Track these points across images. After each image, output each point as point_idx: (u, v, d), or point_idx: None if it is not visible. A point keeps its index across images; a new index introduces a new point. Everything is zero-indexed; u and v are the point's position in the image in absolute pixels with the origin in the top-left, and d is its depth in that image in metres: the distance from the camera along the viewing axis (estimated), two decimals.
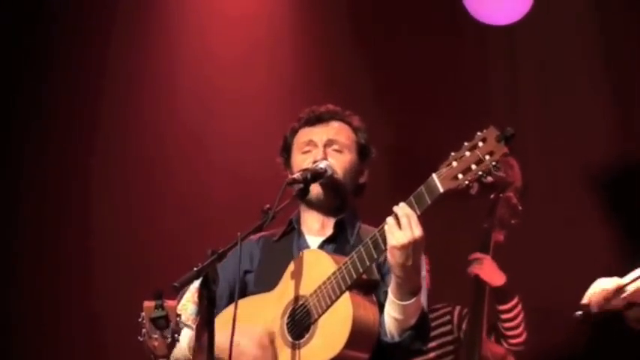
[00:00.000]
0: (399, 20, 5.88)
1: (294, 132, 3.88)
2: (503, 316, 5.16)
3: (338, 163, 3.77)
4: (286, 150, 3.89)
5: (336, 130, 3.82)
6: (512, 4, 5.62)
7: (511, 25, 5.63)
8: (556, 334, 5.42)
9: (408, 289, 3.46)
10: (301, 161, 3.79)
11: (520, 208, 5.14)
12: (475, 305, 5.11)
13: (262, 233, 3.85)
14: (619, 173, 5.52)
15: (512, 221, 5.16)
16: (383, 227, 3.45)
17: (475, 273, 5.11)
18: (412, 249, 3.39)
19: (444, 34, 5.79)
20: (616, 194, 5.50)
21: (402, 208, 3.41)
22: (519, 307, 5.14)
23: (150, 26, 6.17)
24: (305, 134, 3.84)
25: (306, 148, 3.81)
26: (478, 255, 5.14)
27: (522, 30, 5.67)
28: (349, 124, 3.85)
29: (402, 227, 3.39)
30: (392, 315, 3.51)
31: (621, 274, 5.28)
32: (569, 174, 5.57)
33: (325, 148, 3.78)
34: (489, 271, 5.11)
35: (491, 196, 5.17)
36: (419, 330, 3.53)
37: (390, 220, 3.42)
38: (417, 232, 3.39)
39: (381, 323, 3.55)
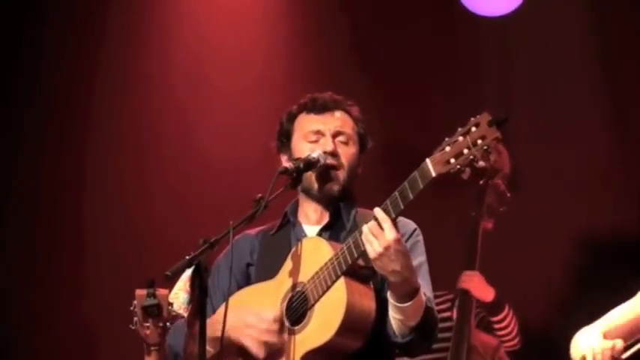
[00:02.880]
0: (393, 13, 5.89)
1: (294, 116, 3.85)
2: (497, 326, 5.22)
3: (345, 155, 3.76)
4: (284, 134, 3.86)
5: (341, 121, 3.80)
6: None
7: (504, 18, 5.63)
8: (543, 319, 5.47)
9: (404, 292, 3.46)
10: (308, 150, 3.75)
11: (508, 195, 5.15)
12: (460, 320, 5.12)
13: (261, 227, 3.86)
14: (613, 166, 5.53)
15: (501, 209, 5.17)
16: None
17: (465, 288, 5.13)
18: (392, 253, 3.39)
19: (437, 27, 5.79)
20: (609, 186, 5.51)
21: (373, 215, 3.41)
22: (511, 314, 5.19)
23: (145, 16, 6.16)
24: (310, 122, 3.81)
25: (314, 138, 3.78)
26: (468, 272, 5.15)
27: (515, 23, 5.67)
28: (350, 114, 3.85)
29: (375, 235, 3.40)
30: (394, 316, 3.51)
31: (608, 267, 5.32)
32: (562, 166, 5.58)
33: (333, 139, 3.77)
34: (479, 287, 5.14)
35: (480, 182, 5.19)
36: (424, 328, 3.52)
37: (364, 229, 3.43)
38: (391, 236, 3.39)
39: (388, 325, 3.55)
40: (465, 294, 5.14)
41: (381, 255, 3.39)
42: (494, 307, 5.18)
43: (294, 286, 3.62)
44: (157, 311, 3.51)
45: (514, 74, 5.73)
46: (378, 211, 3.43)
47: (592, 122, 5.54)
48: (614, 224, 5.50)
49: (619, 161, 5.51)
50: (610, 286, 5.34)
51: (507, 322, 5.19)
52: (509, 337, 5.20)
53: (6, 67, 6.15)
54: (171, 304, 3.55)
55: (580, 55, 5.60)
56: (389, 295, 3.49)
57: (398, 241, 3.40)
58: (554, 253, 5.46)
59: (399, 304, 3.47)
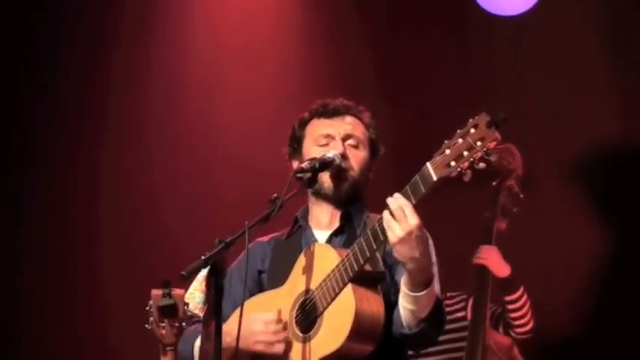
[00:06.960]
0: (407, 14, 5.89)
1: (305, 123, 3.87)
2: (510, 307, 5.20)
3: (355, 158, 3.76)
4: (296, 140, 3.87)
5: (352, 125, 3.81)
6: None
7: (518, 17, 5.63)
8: (556, 322, 5.46)
9: (420, 280, 3.42)
10: (318, 154, 3.75)
11: (522, 196, 5.18)
12: (478, 294, 5.15)
13: (273, 234, 3.88)
14: (623, 165, 5.52)
15: (514, 209, 5.21)
16: (382, 218, 3.42)
17: (481, 263, 5.15)
18: (414, 239, 3.34)
19: (451, 28, 5.80)
20: (620, 185, 5.50)
21: (394, 201, 3.37)
22: (525, 296, 5.17)
23: (159, 18, 6.18)
24: (321, 126, 3.82)
25: (324, 141, 3.78)
26: (484, 247, 5.18)
27: (530, 23, 5.67)
28: (361, 119, 3.85)
29: (397, 219, 3.35)
30: (405, 306, 3.47)
31: (619, 265, 5.33)
32: (576, 166, 5.57)
33: (343, 142, 3.77)
34: (495, 262, 5.15)
35: (493, 184, 5.21)
36: (434, 319, 3.49)
37: (385, 214, 3.38)
38: (413, 221, 3.33)
39: (396, 315, 3.53)
40: (482, 270, 5.15)
41: (402, 240, 3.33)
42: (509, 284, 5.17)
43: (302, 294, 3.62)
44: (172, 311, 3.52)
45: (529, 74, 5.72)
46: (399, 197, 3.37)
47: (607, 122, 5.53)
48: (629, 223, 5.51)
49: (634, 160, 5.50)
50: (627, 284, 5.38)
51: (521, 304, 5.16)
52: (522, 322, 5.17)
53: (19, 67, 6.17)
54: (186, 304, 3.57)
55: (595, 55, 5.58)
56: (403, 283, 3.45)
57: (420, 227, 3.35)
58: (568, 252, 5.46)
59: (412, 293, 3.42)
